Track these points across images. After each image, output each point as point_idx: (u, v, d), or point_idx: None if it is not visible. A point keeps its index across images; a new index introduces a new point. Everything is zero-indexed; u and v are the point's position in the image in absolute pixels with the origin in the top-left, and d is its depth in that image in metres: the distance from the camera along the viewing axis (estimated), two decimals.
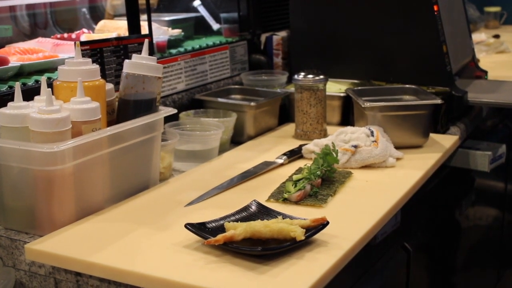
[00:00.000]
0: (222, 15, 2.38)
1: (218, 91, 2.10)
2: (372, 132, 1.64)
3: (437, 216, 2.01)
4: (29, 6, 2.09)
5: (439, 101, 1.77)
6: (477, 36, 3.31)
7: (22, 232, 1.31)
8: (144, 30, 1.84)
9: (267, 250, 1.13)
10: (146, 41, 1.48)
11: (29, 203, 1.29)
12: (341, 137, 1.65)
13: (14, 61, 1.70)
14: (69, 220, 1.31)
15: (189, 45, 2.17)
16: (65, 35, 2.05)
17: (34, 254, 1.22)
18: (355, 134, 1.64)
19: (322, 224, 1.20)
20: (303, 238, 1.14)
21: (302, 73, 1.86)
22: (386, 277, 1.59)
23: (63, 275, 1.23)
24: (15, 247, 1.29)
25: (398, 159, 1.66)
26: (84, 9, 2.34)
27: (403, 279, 1.70)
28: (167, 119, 1.66)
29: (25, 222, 1.31)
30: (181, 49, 2.09)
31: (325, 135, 1.86)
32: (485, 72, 2.41)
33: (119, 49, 1.57)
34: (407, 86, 1.99)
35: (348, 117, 2.01)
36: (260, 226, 1.15)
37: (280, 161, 1.65)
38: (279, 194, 1.42)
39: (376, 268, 1.52)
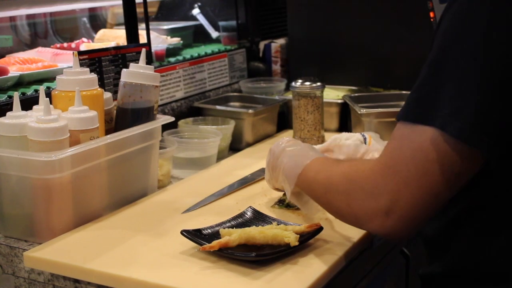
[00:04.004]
0: (221, 23, 2.41)
1: (217, 99, 2.12)
2: (365, 139, 1.65)
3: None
4: (29, 16, 2.11)
5: None
6: None
7: (21, 240, 1.33)
8: (143, 39, 1.86)
9: (261, 256, 1.14)
10: (144, 50, 1.49)
11: (28, 211, 1.31)
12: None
13: (14, 71, 1.72)
14: (68, 228, 1.32)
15: (188, 53, 2.19)
16: (65, 44, 2.07)
17: (33, 262, 1.24)
18: (349, 140, 1.65)
19: (316, 230, 1.21)
20: (297, 243, 1.16)
21: (300, 80, 1.87)
22: (385, 283, 1.59)
23: (62, 282, 1.24)
24: (15, 255, 1.30)
25: None
26: (84, 19, 2.36)
27: (403, 285, 1.71)
28: (166, 127, 1.68)
29: (24, 230, 1.33)
30: (180, 58, 2.11)
31: (322, 141, 1.88)
32: None
33: (118, 58, 1.59)
34: (404, 92, 2.01)
35: (346, 124, 2.02)
36: (255, 232, 1.17)
37: None
38: (282, 202, 1.44)
39: (375, 273, 1.53)
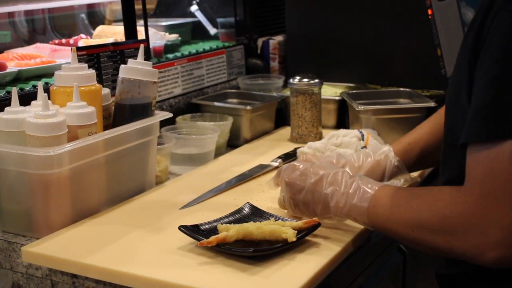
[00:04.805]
0: (219, 20, 2.41)
1: (215, 95, 2.12)
2: (362, 136, 1.66)
3: None
4: (27, 12, 2.11)
5: (432, 104, 1.79)
6: None
7: (19, 235, 1.33)
8: (141, 35, 1.86)
9: (259, 252, 1.15)
10: (142, 46, 1.50)
11: (26, 206, 1.31)
12: (332, 141, 1.67)
13: (12, 67, 1.72)
14: (66, 223, 1.32)
15: (186, 49, 2.20)
16: (63, 40, 2.07)
17: (31, 257, 1.24)
18: (347, 137, 1.65)
19: (313, 226, 1.22)
20: (294, 239, 1.16)
21: (297, 77, 1.88)
22: (381, 279, 1.60)
23: (60, 277, 1.25)
24: (13, 250, 1.30)
25: None
26: (83, 15, 2.36)
27: (399, 281, 1.71)
28: (164, 123, 1.68)
29: (22, 225, 1.33)
30: (178, 54, 2.11)
31: (320, 138, 1.88)
32: None
33: (116, 54, 1.59)
34: (401, 89, 2.01)
35: (344, 120, 2.02)
36: (252, 228, 1.17)
37: (275, 164, 1.67)
38: None
39: (372, 270, 1.53)
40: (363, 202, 1.18)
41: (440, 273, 1.25)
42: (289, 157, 1.72)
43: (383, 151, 1.45)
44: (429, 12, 2.06)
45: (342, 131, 1.70)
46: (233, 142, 1.92)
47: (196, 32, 2.43)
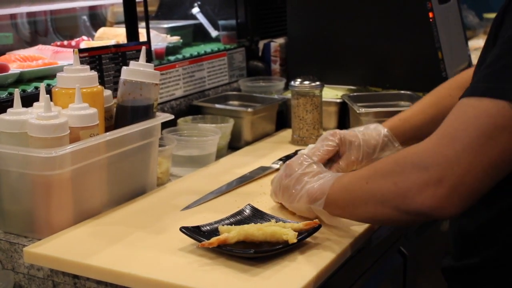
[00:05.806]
0: (221, 22, 2.41)
1: (216, 97, 2.13)
2: None
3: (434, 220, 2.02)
4: (29, 14, 2.12)
5: None
6: (475, 43, 3.33)
7: (21, 236, 1.33)
8: (143, 37, 1.86)
9: (259, 253, 1.15)
10: (144, 48, 1.50)
11: (27, 207, 1.32)
12: None
13: (14, 68, 1.72)
14: (67, 224, 1.33)
15: (188, 52, 2.20)
16: (65, 42, 2.07)
17: (32, 257, 1.25)
18: None
19: (314, 228, 1.22)
20: (295, 241, 1.17)
21: (299, 80, 1.88)
22: (382, 282, 1.60)
23: (61, 277, 1.25)
24: (14, 251, 1.31)
25: None
26: (84, 17, 2.37)
27: (400, 284, 1.71)
28: (165, 125, 1.68)
29: (24, 226, 1.33)
30: (180, 56, 2.12)
31: None
32: None
33: (118, 56, 1.60)
34: (402, 92, 2.02)
35: (344, 123, 2.03)
36: (253, 229, 1.17)
37: (276, 166, 1.67)
38: None
39: (372, 272, 1.53)
40: (329, 181, 1.22)
41: (446, 267, 1.26)
42: (290, 159, 1.72)
43: (373, 125, 1.53)
44: (430, 15, 2.06)
45: None
46: (234, 144, 1.93)
47: (197, 34, 2.44)
